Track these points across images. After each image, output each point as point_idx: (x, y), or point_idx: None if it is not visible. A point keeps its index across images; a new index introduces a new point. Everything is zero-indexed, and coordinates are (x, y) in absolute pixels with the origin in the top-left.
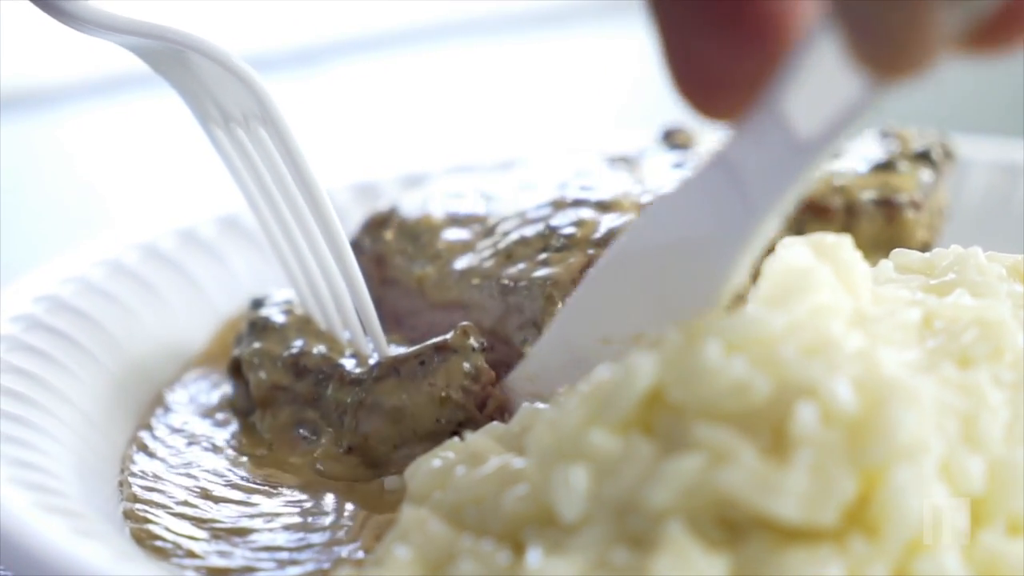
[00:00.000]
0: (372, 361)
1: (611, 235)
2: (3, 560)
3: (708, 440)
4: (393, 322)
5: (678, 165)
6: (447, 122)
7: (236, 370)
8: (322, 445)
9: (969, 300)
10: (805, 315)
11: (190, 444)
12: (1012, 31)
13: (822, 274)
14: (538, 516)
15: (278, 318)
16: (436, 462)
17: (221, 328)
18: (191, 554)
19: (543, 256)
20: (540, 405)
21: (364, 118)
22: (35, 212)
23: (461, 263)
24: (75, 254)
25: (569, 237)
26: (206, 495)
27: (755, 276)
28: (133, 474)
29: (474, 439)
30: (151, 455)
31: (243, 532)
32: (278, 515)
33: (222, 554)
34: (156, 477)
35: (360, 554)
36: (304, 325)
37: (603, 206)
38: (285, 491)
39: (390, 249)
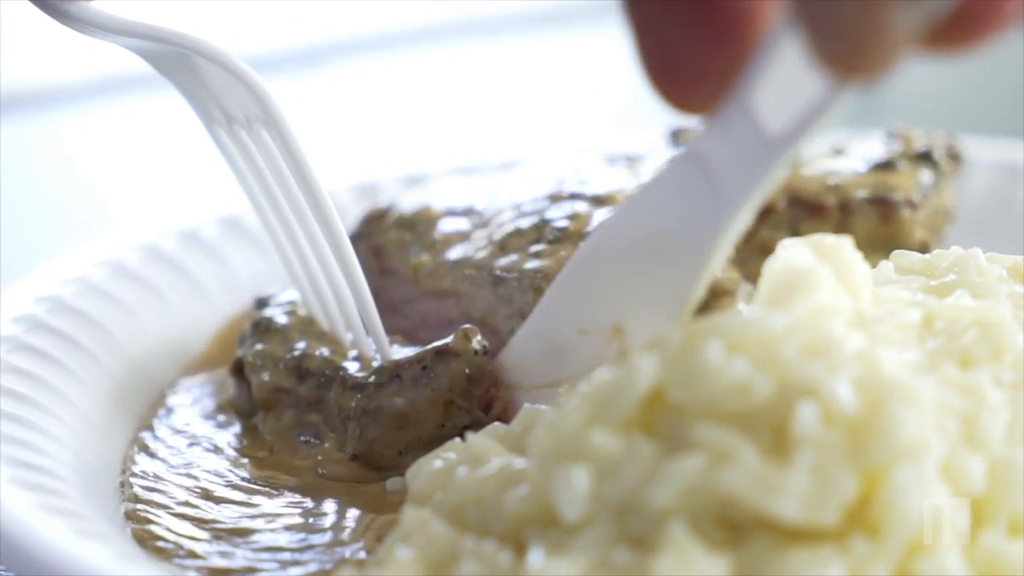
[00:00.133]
0: (375, 364)
1: None
2: (4, 561)
3: (709, 440)
4: (389, 311)
5: None
6: (448, 122)
7: (239, 371)
8: (325, 449)
9: (969, 301)
10: (806, 316)
11: (191, 445)
12: (970, 30)
13: (823, 275)
14: (540, 516)
15: (281, 319)
16: (438, 463)
17: (222, 329)
18: (192, 555)
19: (535, 248)
20: (541, 406)
21: (365, 118)
22: (36, 213)
23: (456, 252)
24: (76, 255)
25: (562, 230)
26: (207, 496)
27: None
28: (134, 475)
29: (476, 440)
30: (152, 456)
31: (245, 533)
32: (280, 516)
33: (224, 555)
34: (157, 478)
35: (362, 555)
36: (307, 327)
37: (598, 200)
38: (287, 492)
39: (388, 239)
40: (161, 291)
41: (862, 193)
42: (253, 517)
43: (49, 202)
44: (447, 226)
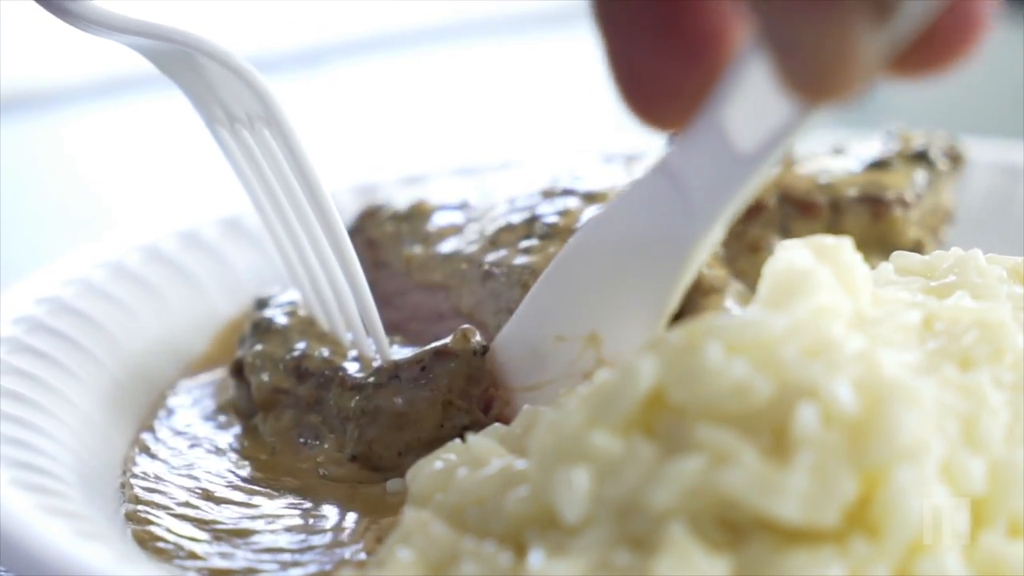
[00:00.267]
0: (375, 364)
1: None
2: (5, 562)
3: (709, 441)
4: (381, 303)
5: None
6: (448, 122)
7: (239, 372)
8: (324, 450)
9: (969, 302)
10: (806, 317)
11: (192, 446)
12: (936, 54)
13: (822, 276)
14: (540, 517)
15: (281, 320)
16: (438, 464)
17: (223, 330)
18: (193, 555)
19: (525, 244)
20: (542, 407)
21: (365, 118)
22: (37, 213)
23: (448, 246)
24: (77, 255)
25: (552, 226)
26: (208, 496)
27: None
28: (135, 476)
29: (476, 441)
30: (153, 457)
31: (245, 533)
32: (280, 517)
33: (224, 555)
34: (158, 478)
35: (362, 556)
36: (307, 327)
37: (590, 196)
38: (287, 493)
39: (383, 232)
40: (161, 292)
41: (853, 191)
42: (253, 518)
43: (50, 202)
44: (441, 219)
